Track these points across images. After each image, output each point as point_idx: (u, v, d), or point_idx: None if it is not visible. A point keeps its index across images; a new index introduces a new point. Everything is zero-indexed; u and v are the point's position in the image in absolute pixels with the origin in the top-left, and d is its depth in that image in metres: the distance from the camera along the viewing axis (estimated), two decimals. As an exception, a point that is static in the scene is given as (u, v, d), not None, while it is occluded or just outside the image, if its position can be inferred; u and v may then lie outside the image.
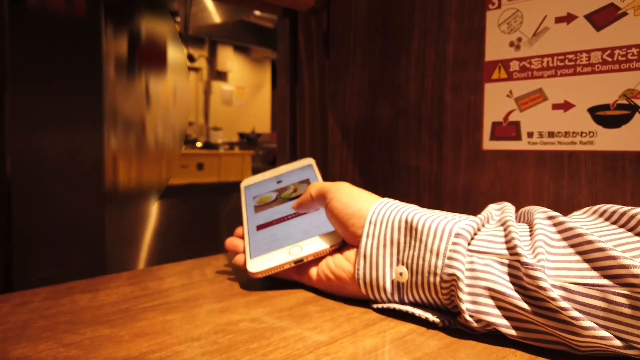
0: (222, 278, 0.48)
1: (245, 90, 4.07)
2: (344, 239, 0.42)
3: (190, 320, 0.36)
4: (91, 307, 0.38)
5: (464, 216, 0.37)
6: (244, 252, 0.47)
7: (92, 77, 0.55)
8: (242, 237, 0.49)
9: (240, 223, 0.51)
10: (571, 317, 0.28)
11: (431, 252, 0.34)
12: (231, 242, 0.49)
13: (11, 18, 0.48)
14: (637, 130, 0.44)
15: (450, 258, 0.33)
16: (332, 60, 0.68)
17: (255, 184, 0.57)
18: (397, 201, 0.40)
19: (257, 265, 0.43)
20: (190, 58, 3.49)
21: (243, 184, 0.58)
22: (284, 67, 0.76)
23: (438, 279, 0.34)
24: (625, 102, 0.45)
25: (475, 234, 0.35)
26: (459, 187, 0.55)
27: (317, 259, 0.43)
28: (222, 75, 3.85)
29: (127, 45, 0.60)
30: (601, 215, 0.33)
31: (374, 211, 0.39)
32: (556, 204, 0.48)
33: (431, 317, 0.34)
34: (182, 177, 2.28)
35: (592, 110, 0.47)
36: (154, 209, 1.86)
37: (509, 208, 0.38)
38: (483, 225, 0.36)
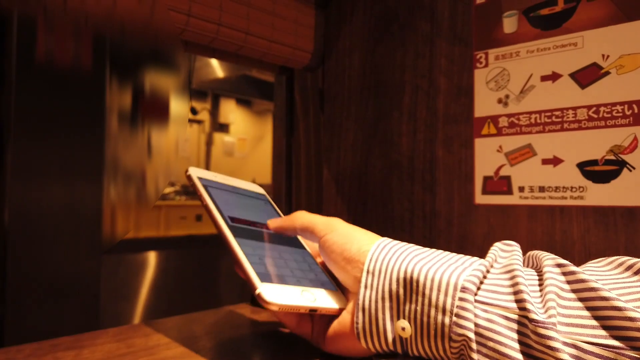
0: (210, 335, 0.47)
1: (246, 141, 4.13)
2: (342, 282, 0.39)
3: (174, 380, 0.34)
4: (73, 365, 0.37)
5: (468, 261, 0.34)
6: (237, 263, 0.37)
7: (94, 129, 0.56)
8: (229, 246, 0.38)
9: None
10: None
11: (436, 308, 0.32)
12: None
13: (18, 72, 0.49)
14: (626, 185, 0.44)
15: (458, 316, 0.31)
16: (327, 115, 0.70)
17: (214, 182, 0.45)
18: (395, 243, 0.37)
19: (273, 294, 0.34)
20: (193, 111, 3.56)
21: (195, 173, 0.43)
22: (280, 121, 0.78)
23: (447, 338, 0.31)
24: (613, 157, 0.45)
25: (481, 282, 0.32)
26: (452, 242, 0.54)
27: (325, 316, 0.39)
28: (224, 127, 3.92)
29: (130, 99, 0.61)
30: (619, 265, 0.31)
31: (371, 258, 0.35)
32: (550, 259, 0.48)
33: None
34: (181, 229, 2.27)
35: (581, 166, 0.47)
36: (152, 261, 1.84)
37: (517, 253, 0.35)
38: (488, 272, 0.33)
